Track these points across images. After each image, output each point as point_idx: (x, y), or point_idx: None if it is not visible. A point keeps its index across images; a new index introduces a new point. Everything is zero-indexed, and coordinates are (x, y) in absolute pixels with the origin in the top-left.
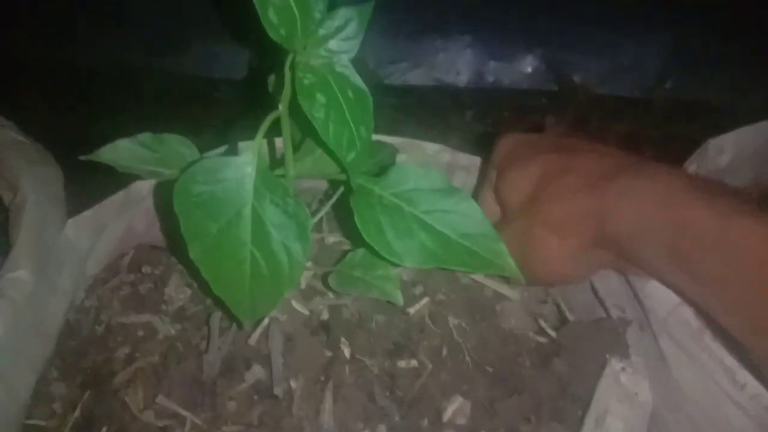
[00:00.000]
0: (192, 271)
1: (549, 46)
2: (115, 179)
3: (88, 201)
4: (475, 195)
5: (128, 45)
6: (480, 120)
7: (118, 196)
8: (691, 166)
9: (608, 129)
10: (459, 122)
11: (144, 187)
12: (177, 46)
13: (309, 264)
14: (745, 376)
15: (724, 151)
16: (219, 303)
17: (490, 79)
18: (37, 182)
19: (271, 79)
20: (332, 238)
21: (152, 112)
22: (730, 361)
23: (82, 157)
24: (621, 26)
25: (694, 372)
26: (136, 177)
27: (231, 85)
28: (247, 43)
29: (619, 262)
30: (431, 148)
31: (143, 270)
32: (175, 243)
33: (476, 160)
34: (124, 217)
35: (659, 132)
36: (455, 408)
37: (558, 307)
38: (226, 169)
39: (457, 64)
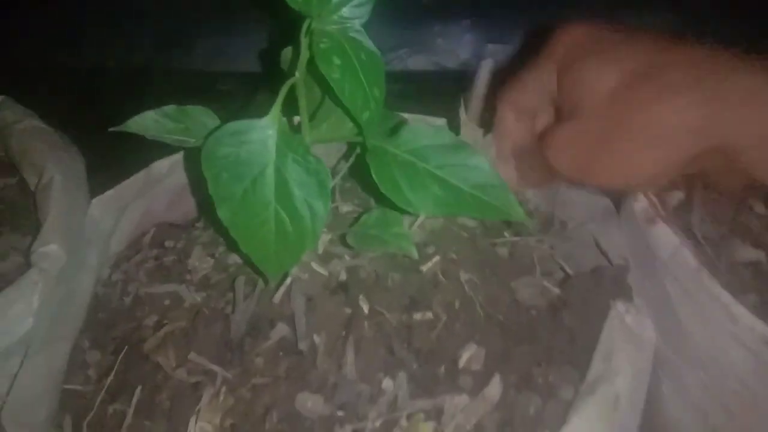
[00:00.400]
0: (221, 232)
1: (547, 26)
2: (127, 167)
3: (107, 185)
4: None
5: (132, 44)
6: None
7: (139, 176)
8: None
9: None
10: (460, 105)
11: (163, 166)
12: (180, 43)
13: (325, 230)
14: (739, 309)
15: None
16: (242, 268)
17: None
18: (62, 166)
19: (285, 52)
20: (346, 207)
21: (159, 107)
22: (726, 297)
23: (111, 129)
24: (619, 8)
25: (694, 310)
26: (153, 159)
27: (235, 77)
28: (249, 36)
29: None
30: (437, 122)
31: (166, 245)
32: (205, 207)
33: (479, 131)
34: (145, 197)
35: None
36: (470, 355)
37: (561, 267)
38: (250, 132)
39: (456, 48)
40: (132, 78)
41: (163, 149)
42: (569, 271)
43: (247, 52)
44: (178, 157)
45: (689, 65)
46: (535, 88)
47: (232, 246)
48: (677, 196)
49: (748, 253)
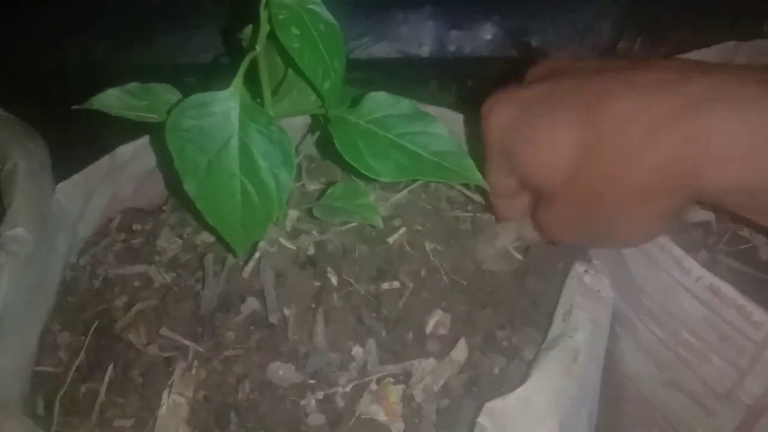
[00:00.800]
0: (188, 208)
1: (506, 13)
2: (89, 156)
3: (70, 174)
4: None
5: (93, 41)
6: (444, 89)
7: (104, 161)
8: None
9: None
10: (424, 92)
11: (127, 151)
12: (142, 38)
13: (291, 208)
14: (690, 262)
15: None
16: (211, 247)
17: (452, 48)
18: (26, 152)
19: (246, 30)
20: (312, 186)
21: None
22: (677, 251)
23: (75, 107)
24: None
25: (648, 266)
26: (116, 145)
27: (198, 69)
28: (209, 29)
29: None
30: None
31: (133, 228)
32: (172, 185)
33: (443, 112)
34: (110, 183)
35: None
36: (436, 321)
37: None
38: (213, 104)
39: (419, 35)
40: (94, 74)
41: (125, 136)
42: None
43: (211, 43)
44: (142, 141)
45: (638, 115)
46: (500, 177)
47: (201, 223)
48: None
49: (698, 215)
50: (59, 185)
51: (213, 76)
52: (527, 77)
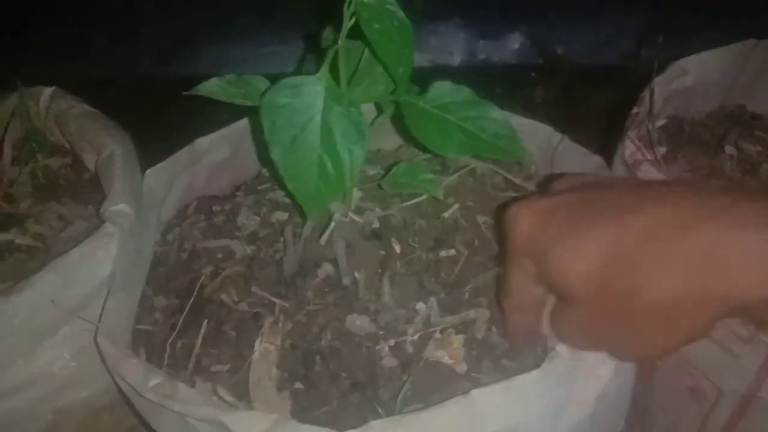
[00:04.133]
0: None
1: (533, 22)
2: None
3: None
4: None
5: (140, 54)
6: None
7: (184, 152)
8: (657, 86)
9: (593, 96)
10: None
11: (204, 143)
12: (187, 50)
13: (356, 190)
14: None
15: (688, 72)
16: (286, 223)
17: (481, 57)
18: (118, 141)
19: (326, 33)
20: (372, 171)
21: (168, 114)
22: None
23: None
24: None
25: None
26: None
27: None
28: (254, 42)
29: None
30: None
31: (213, 209)
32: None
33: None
34: (188, 172)
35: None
36: (489, 281)
37: None
38: (303, 86)
39: (449, 45)
40: (141, 86)
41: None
42: None
43: (251, 56)
44: (218, 135)
45: (670, 226)
46: (521, 283)
47: (277, 205)
48: (660, 151)
49: None
50: (148, 171)
51: None
52: (552, 188)
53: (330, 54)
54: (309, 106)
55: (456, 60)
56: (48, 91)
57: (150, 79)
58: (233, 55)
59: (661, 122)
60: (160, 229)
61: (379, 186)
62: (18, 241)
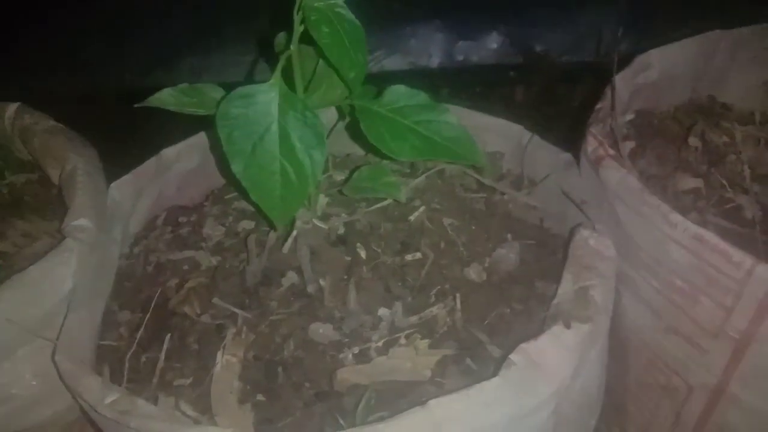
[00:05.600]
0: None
1: (511, 22)
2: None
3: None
4: None
5: (122, 68)
6: (454, 96)
7: (150, 162)
8: (622, 81)
9: (574, 93)
10: (435, 100)
11: (171, 153)
12: (166, 62)
13: (322, 196)
14: (675, 217)
15: (652, 66)
16: (252, 233)
17: (460, 58)
18: (81, 155)
19: (278, 37)
20: (339, 177)
21: (149, 124)
22: (664, 208)
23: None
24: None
25: (641, 224)
26: (159, 148)
27: (223, 87)
28: (228, 51)
29: None
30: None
31: (179, 220)
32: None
33: (455, 108)
34: (157, 182)
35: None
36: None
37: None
38: (256, 95)
39: (428, 47)
40: (124, 99)
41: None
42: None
43: (229, 64)
44: (184, 144)
45: None
46: None
47: (243, 213)
48: (629, 146)
49: (688, 182)
50: (113, 184)
51: None
52: None
53: (282, 60)
54: (264, 115)
55: (435, 61)
56: (13, 107)
57: (132, 91)
58: (214, 65)
59: (629, 117)
60: (128, 243)
61: (340, 192)
62: None
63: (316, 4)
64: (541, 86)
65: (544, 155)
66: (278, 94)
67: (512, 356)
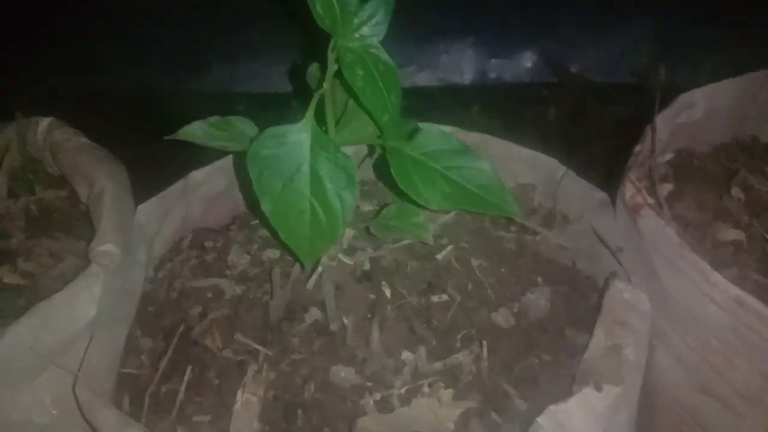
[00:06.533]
0: (264, 224)
1: (545, 40)
2: (158, 181)
3: (146, 195)
4: None
5: (152, 70)
6: (485, 114)
7: (178, 185)
8: (662, 121)
9: (606, 114)
10: (465, 117)
11: (199, 176)
12: (196, 68)
13: (348, 229)
14: (716, 276)
15: (696, 105)
16: (277, 262)
17: (493, 75)
18: (110, 176)
19: (311, 69)
20: (366, 207)
21: (177, 128)
22: (704, 266)
23: (166, 137)
24: (612, 16)
25: (679, 280)
26: (187, 171)
27: (250, 98)
28: (258, 61)
29: None
30: (445, 130)
31: (205, 245)
32: (251, 202)
33: (486, 138)
34: (183, 204)
35: (654, 114)
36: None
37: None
38: (288, 135)
39: (460, 63)
40: (153, 101)
41: (196, 161)
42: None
43: (260, 75)
44: (212, 167)
45: None
46: None
47: (271, 239)
48: (667, 188)
49: (729, 233)
50: (140, 206)
51: (262, 104)
52: None
53: (315, 98)
54: (296, 155)
55: (467, 78)
56: (45, 121)
57: (159, 93)
58: (243, 73)
59: (668, 156)
60: (153, 264)
61: (365, 234)
62: (6, 279)
63: (350, 44)
64: (574, 106)
65: (577, 192)
66: (310, 134)
67: (540, 419)
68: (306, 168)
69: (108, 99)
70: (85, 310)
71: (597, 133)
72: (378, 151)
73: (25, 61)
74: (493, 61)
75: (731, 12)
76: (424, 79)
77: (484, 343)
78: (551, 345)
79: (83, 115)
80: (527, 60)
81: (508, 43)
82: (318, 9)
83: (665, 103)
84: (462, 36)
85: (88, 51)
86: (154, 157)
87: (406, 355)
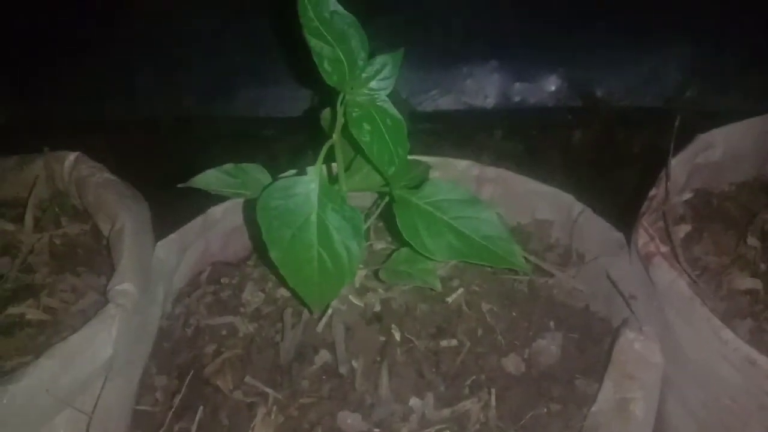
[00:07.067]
0: (271, 269)
1: (570, 64)
2: (182, 213)
3: (168, 228)
4: None
5: (182, 95)
6: (509, 138)
7: (197, 221)
8: (680, 163)
9: (632, 139)
10: (488, 142)
11: (218, 212)
12: (226, 92)
13: (361, 267)
14: (727, 333)
15: (715, 146)
16: (290, 301)
17: (516, 99)
18: (131, 213)
19: (325, 114)
20: (379, 245)
21: (207, 152)
22: (716, 322)
23: (180, 185)
24: (638, 41)
25: (691, 332)
26: (208, 206)
27: (276, 122)
28: (288, 85)
29: None
30: (461, 164)
31: (222, 281)
32: (259, 247)
33: (503, 173)
34: (202, 239)
35: (681, 140)
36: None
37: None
38: (296, 186)
39: (484, 88)
40: (182, 126)
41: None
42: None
43: (286, 99)
44: (231, 203)
45: None
46: None
47: (282, 281)
48: (684, 229)
49: (746, 282)
50: (159, 243)
51: (290, 128)
52: None
53: (324, 150)
54: (304, 206)
55: (491, 102)
56: (72, 156)
57: (190, 119)
58: (270, 98)
59: (686, 196)
60: (171, 299)
61: (376, 275)
62: (29, 316)
63: (358, 99)
64: (599, 131)
65: (594, 230)
66: (318, 186)
67: None
68: (314, 218)
69: (136, 124)
70: (102, 351)
71: (622, 158)
72: (380, 205)
73: (55, 90)
74: (517, 85)
75: (758, 36)
76: (447, 102)
77: (493, 390)
78: (561, 394)
79: (113, 139)
80: (551, 84)
81: (533, 67)
82: (326, 66)
83: (691, 129)
84: (486, 60)
85: (121, 77)
86: (181, 179)
87: (414, 401)
